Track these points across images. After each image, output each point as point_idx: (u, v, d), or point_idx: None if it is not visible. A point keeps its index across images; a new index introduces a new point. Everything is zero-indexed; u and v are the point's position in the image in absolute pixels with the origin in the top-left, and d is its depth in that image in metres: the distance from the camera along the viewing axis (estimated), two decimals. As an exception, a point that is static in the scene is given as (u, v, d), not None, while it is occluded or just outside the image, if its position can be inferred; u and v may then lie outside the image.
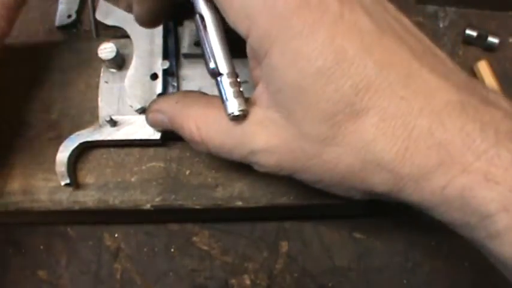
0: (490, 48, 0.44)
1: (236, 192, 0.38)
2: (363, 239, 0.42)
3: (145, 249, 0.42)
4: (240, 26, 0.27)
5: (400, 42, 0.26)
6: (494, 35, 0.44)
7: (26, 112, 0.40)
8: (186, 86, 0.39)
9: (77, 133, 0.38)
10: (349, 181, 0.27)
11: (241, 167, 0.36)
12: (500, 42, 0.44)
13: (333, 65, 0.25)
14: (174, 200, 0.38)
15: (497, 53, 0.44)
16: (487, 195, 0.24)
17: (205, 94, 0.34)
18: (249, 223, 0.42)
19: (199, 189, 0.38)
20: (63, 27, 0.46)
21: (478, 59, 0.43)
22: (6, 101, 0.40)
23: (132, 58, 0.38)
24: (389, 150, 0.25)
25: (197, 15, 0.29)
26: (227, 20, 0.28)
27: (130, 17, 0.38)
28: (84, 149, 0.39)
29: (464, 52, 0.45)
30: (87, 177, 0.38)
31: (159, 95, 0.37)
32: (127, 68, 0.38)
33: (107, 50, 0.37)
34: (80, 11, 0.47)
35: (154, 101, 0.35)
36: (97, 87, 0.39)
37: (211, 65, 0.29)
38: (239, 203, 0.37)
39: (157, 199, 0.38)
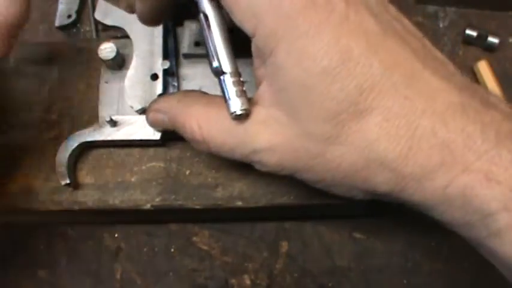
0: (490, 48, 0.44)
1: (236, 192, 0.38)
2: (363, 239, 0.42)
3: (145, 249, 0.42)
4: (246, 24, 0.27)
5: (403, 43, 0.27)
6: (494, 35, 0.44)
7: (26, 112, 0.40)
8: (186, 85, 0.39)
9: (77, 133, 0.38)
10: (351, 180, 0.27)
11: (241, 167, 0.36)
12: (500, 42, 0.44)
13: (338, 65, 0.25)
14: (174, 200, 0.38)
15: (497, 53, 0.44)
16: (488, 194, 0.24)
17: (205, 93, 0.33)
18: (249, 223, 0.42)
19: (199, 189, 0.38)
20: (63, 27, 0.47)
21: (478, 59, 0.43)
22: (6, 101, 0.40)
23: (132, 58, 0.38)
24: (393, 150, 0.25)
25: (201, 14, 0.30)
26: (233, 18, 0.28)
27: (130, 17, 0.38)
28: (84, 149, 0.38)
29: (464, 52, 0.45)
30: (87, 177, 0.38)
31: (160, 95, 0.37)
32: (127, 68, 0.38)
33: (107, 50, 0.37)
34: (79, 11, 0.47)
35: (154, 101, 0.35)
36: (97, 87, 0.39)
37: (215, 64, 0.29)
38: (239, 203, 0.37)
39: (157, 199, 0.38)
